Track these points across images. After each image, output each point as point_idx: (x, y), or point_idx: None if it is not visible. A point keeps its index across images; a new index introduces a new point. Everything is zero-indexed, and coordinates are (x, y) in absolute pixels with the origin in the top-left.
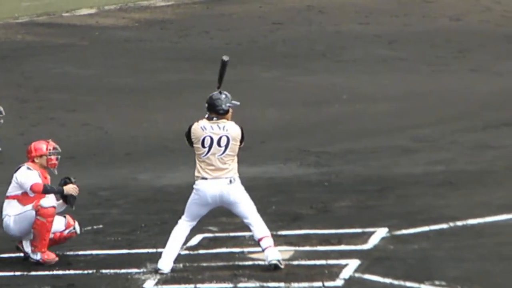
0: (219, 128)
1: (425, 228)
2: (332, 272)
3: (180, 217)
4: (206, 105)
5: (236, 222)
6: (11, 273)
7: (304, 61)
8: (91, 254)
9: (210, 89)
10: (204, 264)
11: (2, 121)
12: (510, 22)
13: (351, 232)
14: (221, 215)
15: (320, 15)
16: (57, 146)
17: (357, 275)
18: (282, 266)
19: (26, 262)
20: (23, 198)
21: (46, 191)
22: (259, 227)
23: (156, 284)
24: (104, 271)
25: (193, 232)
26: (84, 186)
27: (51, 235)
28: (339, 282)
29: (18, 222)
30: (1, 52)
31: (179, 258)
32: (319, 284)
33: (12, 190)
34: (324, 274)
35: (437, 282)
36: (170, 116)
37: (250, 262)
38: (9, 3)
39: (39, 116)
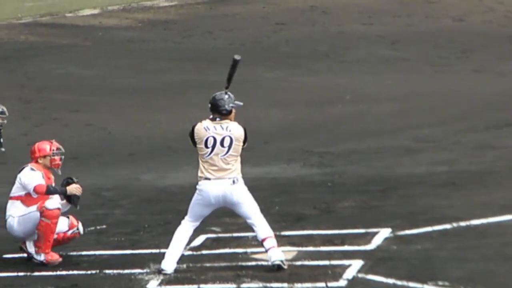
0: (222, 128)
1: (428, 229)
2: (336, 273)
3: (183, 218)
4: (209, 105)
5: (239, 222)
6: (15, 274)
7: (308, 61)
8: (94, 255)
9: (213, 89)
10: (207, 265)
11: (5, 121)
12: None
13: (354, 233)
14: (224, 216)
15: (324, 15)
16: (60, 147)
17: (360, 275)
18: (285, 267)
19: (29, 263)
20: (26, 199)
21: (49, 192)
22: (262, 228)
23: (160, 284)
24: (107, 271)
25: (196, 233)
26: (87, 187)
27: (55, 236)
28: (342, 282)
29: (22, 223)
30: (4, 53)
31: (182, 259)
32: (322, 284)
33: (16, 191)
34: (327, 275)
35: (440, 283)
36: (174, 116)
37: (253, 263)
38: (12, 3)
39: (42, 116)
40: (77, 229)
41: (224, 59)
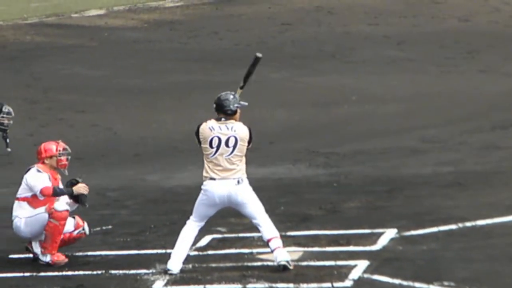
0: (227, 128)
1: (434, 229)
2: (341, 273)
3: (188, 218)
4: (214, 105)
5: (245, 223)
6: (21, 274)
7: (313, 62)
8: (100, 255)
9: (219, 89)
10: (213, 265)
11: (11, 122)
12: None
13: (360, 233)
14: (230, 216)
15: (329, 16)
16: (67, 147)
17: (366, 276)
18: (291, 267)
19: (35, 263)
20: (33, 200)
21: (56, 194)
22: (267, 228)
23: (165, 284)
24: (113, 271)
25: (202, 233)
26: (93, 187)
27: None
28: (348, 283)
29: (30, 225)
30: (10, 53)
31: (188, 259)
32: (328, 285)
33: (22, 192)
34: (333, 275)
35: (446, 283)
36: (179, 116)
37: (259, 263)
38: (18, 4)
39: (48, 117)
40: (83, 229)
41: (230, 60)
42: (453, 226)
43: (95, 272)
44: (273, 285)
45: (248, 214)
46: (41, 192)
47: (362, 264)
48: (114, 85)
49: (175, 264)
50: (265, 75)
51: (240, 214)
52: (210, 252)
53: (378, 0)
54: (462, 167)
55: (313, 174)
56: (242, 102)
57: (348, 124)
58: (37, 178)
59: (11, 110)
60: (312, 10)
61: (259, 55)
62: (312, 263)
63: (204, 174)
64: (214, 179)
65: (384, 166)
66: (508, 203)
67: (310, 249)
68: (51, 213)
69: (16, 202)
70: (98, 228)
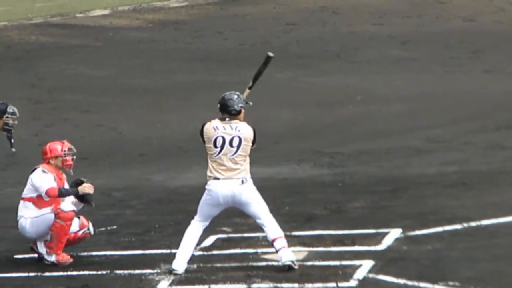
0: (232, 128)
1: (439, 229)
2: (346, 273)
3: (193, 218)
4: (219, 105)
5: (249, 223)
6: (26, 274)
7: (318, 62)
8: (105, 255)
9: (224, 89)
10: (218, 265)
11: (16, 122)
12: None
13: (365, 233)
14: (234, 216)
15: (334, 16)
16: (72, 147)
17: (371, 275)
18: (296, 267)
19: (40, 263)
20: (38, 201)
21: (61, 194)
22: (272, 228)
23: (170, 284)
24: (118, 271)
25: (207, 233)
26: (98, 187)
27: None
28: (353, 282)
29: (35, 225)
30: (15, 53)
31: (193, 259)
32: (333, 284)
33: (27, 192)
34: (338, 275)
35: (451, 283)
36: (184, 116)
37: (264, 263)
38: (23, 4)
39: (53, 117)
40: (88, 229)
41: (234, 60)
42: (458, 226)
43: (100, 272)
44: (278, 285)
45: (252, 214)
46: (46, 193)
47: (367, 264)
48: (119, 85)
49: (180, 264)
50: (269, 75)
51: (245, 214)
52: (215, 252)
53: (383, 0)
54: (467, 166)
55: (317, 174)
56: (247, 102)
57: (353, 124)
58: (43, 179)
59: (15, 110)
60: (317, 10)
61: (270, 54)
62: (317, 263)
63: (208, 173)
64: (218, 178)
65: (389, 166)
66: None
67: (315, 249)
68: (58, 214)
69: (21, 202)
70: (103, 228)
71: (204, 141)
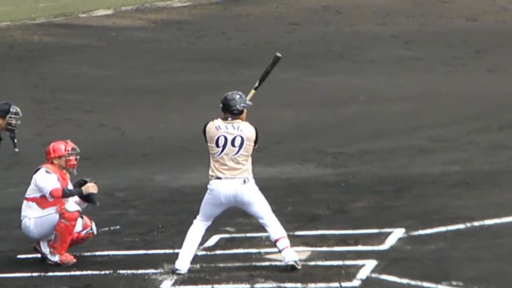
0: (234, 128)
1: (442, 229)
2: (349, 273)
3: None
4: (221, 105)
5: (253, 222)
6: (29, 274)
7: (321, 61)
8: (108, 255)
9: (227, 89)
10: (221, 265)
11: (19, 122)
12: None
13: (368, 233)
14: (238, 216)
15: (337, 15)
16: (75, 147)
17: (374, 275)
18: (299, 267)
19: (43, 263)
20: (42, 201)
21: (65, 195)
22: (275, 228)
23: (173, 284)
24: (121, 271)
25: (210, 233)
26: (101, 187)
27: None
28: (356, 282)
29: (39, 225)
30: (18, 53)
31: (196, 259)
32: (336, 284)
33: (31, 192)
34: (341, 275)
35: (454, 283)
36: (187, 116)
37: (267, 263)
38: (26, 4)
39: (56, 117)
40: (91, 229)
41: (237, 60)
42: (461, 226)
43: (103, 272)
44: (281, 285)
45: (254, 214)
46: (50, 194)
47: (370, 264)
48: (122, 85)
49: (183, 264)
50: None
51: (248, 214)
52: (218, 252)
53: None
54: (470, 166)
55: (321, 174)
56: (248, 102)
57: (356, 123)
58: (46, 180)
59: (18, 110)
60: (320, 10)
61: (279, 55)
62: (320, 262)
63: (210, 173)
64: (220, 178)
65: (392, 165)
66: None
67: (318, 248)
68: (62, 214)
69: (25, 202)
70: (106, 228)
71: (206, 140)
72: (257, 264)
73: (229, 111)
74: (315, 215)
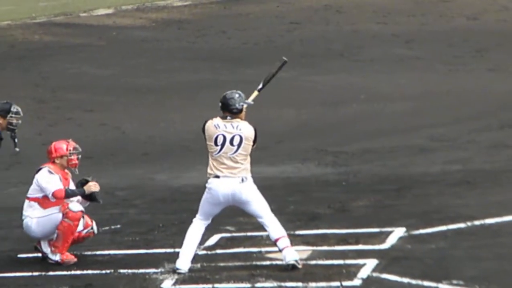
0: (233, 127)
1: (443, 228)
2: (350, 272)
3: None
4: (220, 104)
5: (253, 222)
6: (29, 273)
7: (322, 60)
8: (109, 254)
9: (227, 88)
10: (222, 264)
11: (20, 121)
12: None
13: (368, 232)
14: (238, 215)
15: (338, 14)
16: (77, 146)
17: (375, 274)
18: (300, 266)
19: (44, 262)
20: (44, 201)
21: (68, 196)
22: (274, 228)
23: (174, 284)
24: (122, 271)
25: (210, 232)
26: (102, 186)
27: None
28: (357, 281)
29: (41, 225)
30: (19, 52)
31: (196, 258)
32: (337, 283)
33: (33, 192)
34: (342, 274)
35: (454, 282)
36: (188, 115)
37: (267, 262)
38: (27, 3)
39: (57, 116)
40: (92, 228)
41: (238, 59)
42: (461, 225)
43: (103, 272)
44: (282, 284)
45: (253, 213)
46: (53, 195)
47: (371, 263)
48: (122, 84)
49: (183, 263)
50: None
51: (247, 213)
52: (219, 251)
53: None
54: (470, 165)
55: (321, 173)
56: (247, 101)
57: (357, 122)
58: (49, 180)
59: (19, 109)
60: (320, 9)
61: (285, 59)
62: (321, 262)
63: (209, 171)
64: (218, 177)
65: (393, 164)
66: None
67: (318, 248)
68: (66, 213)
69: (27, 201)
70: (107, 227)
71: (205, 138)
72: (258, 263)
73: (228, 110)
74: (316, 214)
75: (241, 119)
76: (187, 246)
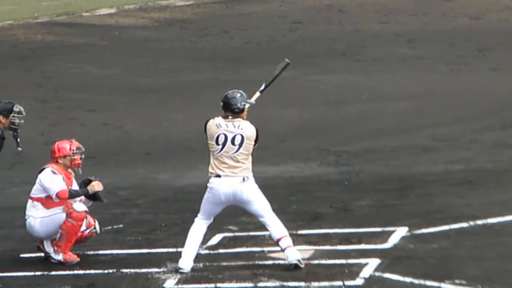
0: (234, 126)
1: (445, 227)
2: (352, 271)
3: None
4: (222, 103)
5: (255, 221)
6: (32, 273)
7: (324, 60)
8: (111, 254)
9: (229, 88)
10: (224, 264)
11: (22, 121)
12: None
13: (371, 231)
14: (240, 215)
15: (340, 14)
16: (80, 146)
17: (377, 274)
18: (302, 266)
19: (46, 262)
20: (47, 201)
21: (71, 196)
22: (276, 227)
23: (177, 283)
24: (124, 270)
25: (213, 232)
26: (104, 186)
27: None
28: (359, 281)
29: (45, 225)
30: (21, 52)
31: (199, 258)
32: (339, 283)
33: (36, 192)
34: (344, 273)
35: (457, 281)
36: (190, 115)
37: (270, 262)
38: (29, 3)
39: (59, 116)
40: (94, 228)
41: (240, 58)
42: (464, 224)
43: (106, 271)
44: (284, 283)
45: (254, 212)
46: (57, 195)
47: (373, 263)
48: (125, 84)
49: (186, 263)
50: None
51: (249, 212)
52: (221, 250)
53: None
54: (473, 165)
55: (324, 173)
56: (249, 101)
57: (359, 122)
58: (52, 181)
59: (22, 109)
60: (323, 8)
61: (287, 60)
62: (323, 261)
63: (210, 170)
64: (219, 176)
65: (395, 164)
66: None
67: (321, 247)
68: (70, 213)
69: (30, 201)
70: (109, 227)
71: (207, 138)
72: (260, 262)
73: (230, 110)
74: (318, 214)
75: (243, 118)
76: (189, 245)
